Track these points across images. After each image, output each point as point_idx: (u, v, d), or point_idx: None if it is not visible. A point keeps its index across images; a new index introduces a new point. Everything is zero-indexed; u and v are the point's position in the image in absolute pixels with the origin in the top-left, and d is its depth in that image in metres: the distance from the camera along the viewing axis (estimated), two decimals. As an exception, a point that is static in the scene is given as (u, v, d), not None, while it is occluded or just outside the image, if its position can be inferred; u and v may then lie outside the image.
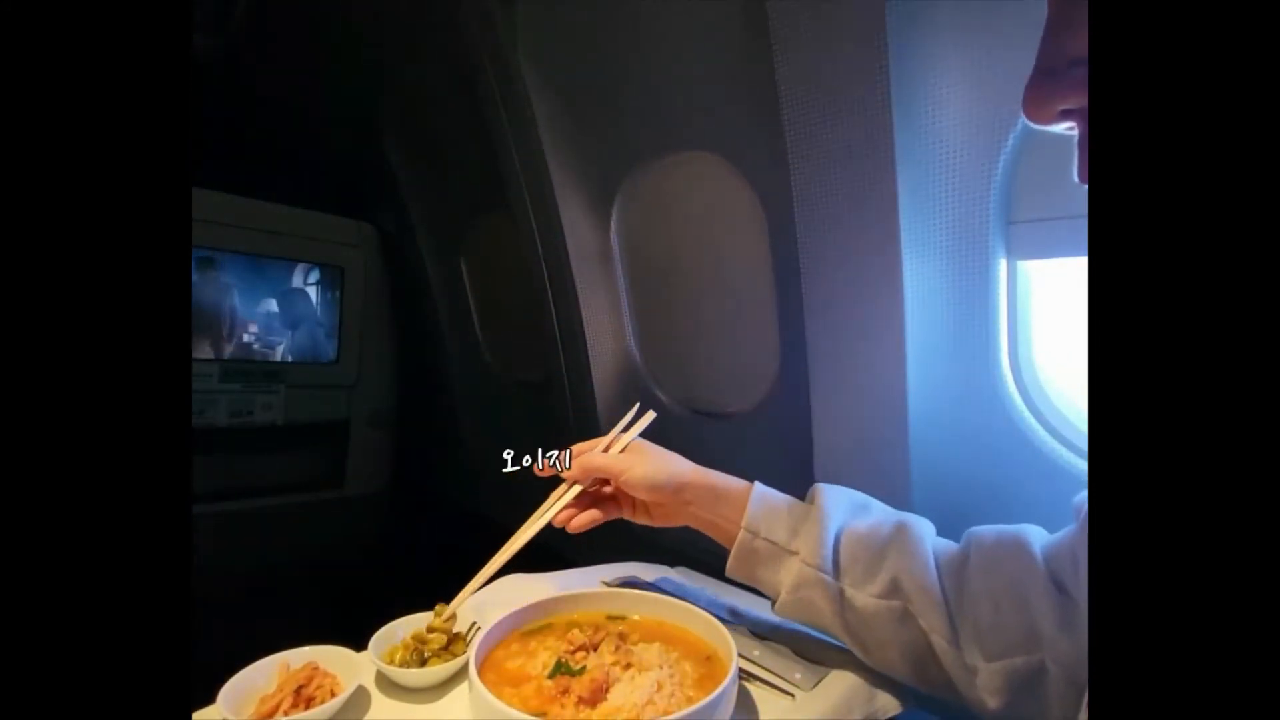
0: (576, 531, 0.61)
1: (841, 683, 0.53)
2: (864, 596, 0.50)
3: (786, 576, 0.53)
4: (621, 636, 0.51)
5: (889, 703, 0.53)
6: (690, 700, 0.44)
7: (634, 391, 1.10)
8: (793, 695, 0.52)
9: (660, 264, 1.01)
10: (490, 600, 0.67)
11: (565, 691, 0.45)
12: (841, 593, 0.51)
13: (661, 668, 0.47)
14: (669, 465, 0.59)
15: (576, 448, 0.63)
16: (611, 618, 0.55)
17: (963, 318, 0.68)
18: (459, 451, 1.54)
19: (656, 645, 0.52)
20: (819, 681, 0.53)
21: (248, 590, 1.18)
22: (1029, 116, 0.31)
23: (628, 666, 0.48)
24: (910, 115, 0.63)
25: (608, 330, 1.09)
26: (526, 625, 0.54)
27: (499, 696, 0.43)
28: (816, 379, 0.77)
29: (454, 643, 0.55)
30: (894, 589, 0.50)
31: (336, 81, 1.40)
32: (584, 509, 0.61)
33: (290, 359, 1.40)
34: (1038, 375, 0.69)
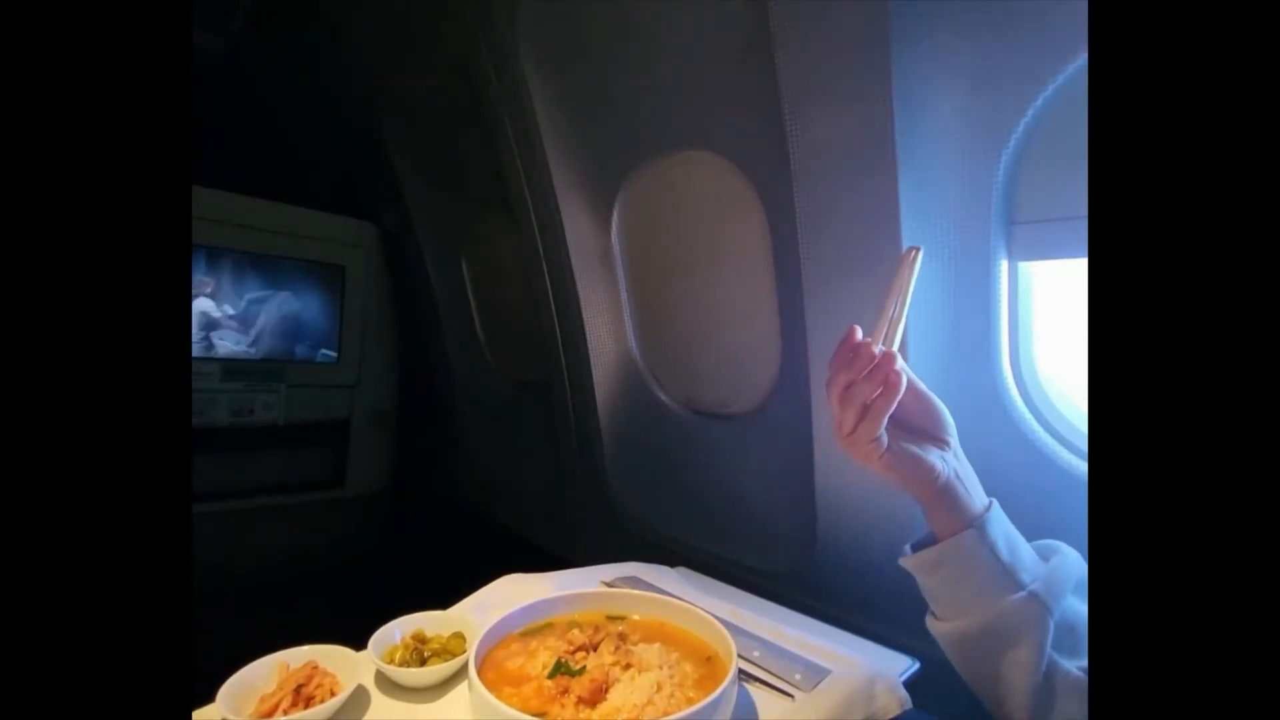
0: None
1: (841, 684, 0.53)
2: (1068, 665, 0.46)
3: (998, 603, 0.47)
4: (621, 637, 0.51)
5: (888, 704, 0.53)
6: (690, 701, 0.44)
7: (634, 391, 1.10)
8: (792, 696, 0.52)
9: (661, 263, 1.01)
10: (490, 600, 0.67)
11: (565, 691, 0.45)
12: (1053, 658, 0.46)
13: (662, 668, 0.47)
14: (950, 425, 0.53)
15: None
16: (611, 618, 0.55)
17: (964, 318, 0.68)
18: (459, 451, 1.54)
19: (656, 645, 0.51)
20: (819, 683, 0.53)
21: (248, 589, 1.18)
22: None
23: (627, 667, 0.48)
24: (912, 115, 0.63)
25: (608, 330, 1.09)
26: (526, 625, 0.54)
27: (498, 696, 0.43)
28: (817, 379, 0.77)
29: (453, 642, 0.55)
30: None
31: (338, 81, 1.40)
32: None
33: (291, 358, 1.41)
34: (1038, 376, 0.68)
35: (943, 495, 0.50)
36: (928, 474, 0.49)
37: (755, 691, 0.52)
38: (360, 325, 1.48)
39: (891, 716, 0.52)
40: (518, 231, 1.13)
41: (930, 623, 0.52)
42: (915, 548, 0.53)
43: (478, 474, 1.51)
